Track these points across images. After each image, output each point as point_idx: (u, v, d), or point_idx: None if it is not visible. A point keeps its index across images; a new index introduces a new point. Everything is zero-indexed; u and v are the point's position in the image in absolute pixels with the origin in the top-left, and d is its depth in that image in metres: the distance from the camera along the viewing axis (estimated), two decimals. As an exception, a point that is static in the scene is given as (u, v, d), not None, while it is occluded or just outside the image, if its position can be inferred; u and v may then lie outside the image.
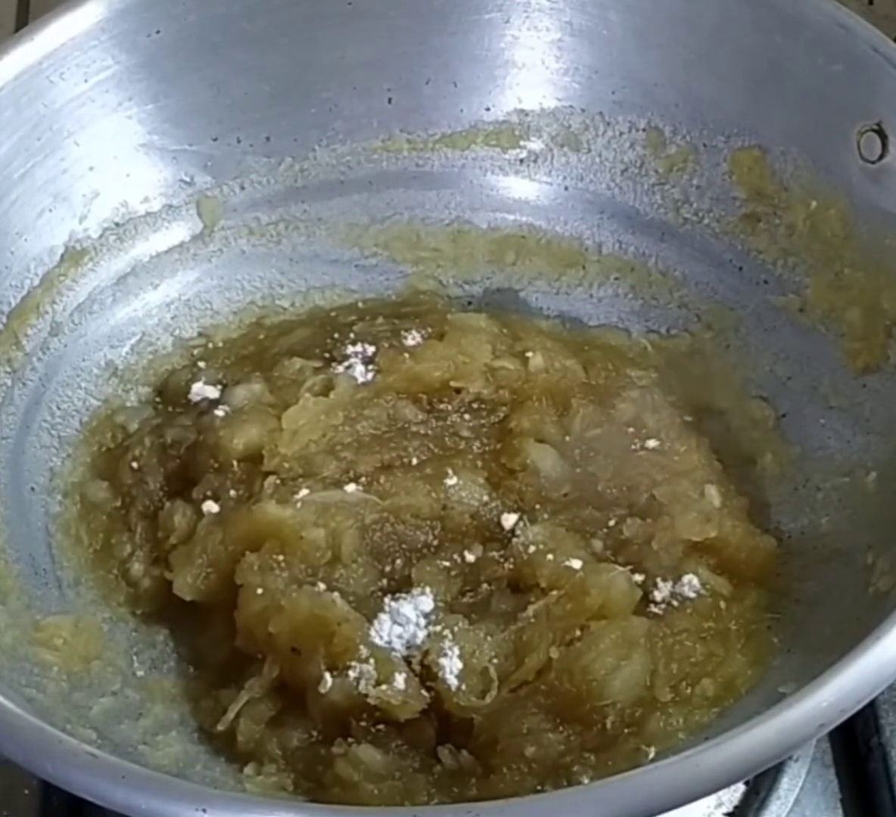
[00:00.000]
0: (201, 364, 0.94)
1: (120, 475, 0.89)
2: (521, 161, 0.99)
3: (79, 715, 0.75)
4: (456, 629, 0.77)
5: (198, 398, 0.91)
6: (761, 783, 0.86)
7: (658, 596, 0.81)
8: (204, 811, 0.62)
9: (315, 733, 0.77)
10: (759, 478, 0.90)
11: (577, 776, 0.74)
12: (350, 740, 0.76)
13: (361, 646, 0.76)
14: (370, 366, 0.91)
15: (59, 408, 0.90)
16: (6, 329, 0.87)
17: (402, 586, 0.80)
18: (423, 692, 0.76)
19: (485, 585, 0.80)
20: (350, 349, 0.93)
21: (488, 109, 0.98)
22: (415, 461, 0.86)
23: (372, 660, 0.76)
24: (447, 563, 0.81)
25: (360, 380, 0.90)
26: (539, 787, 0.73)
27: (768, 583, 0.83)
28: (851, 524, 0.83)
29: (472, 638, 0.77)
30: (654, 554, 0.81)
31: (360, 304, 0.98)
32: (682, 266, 0.97)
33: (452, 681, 0.76)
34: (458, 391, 0.89)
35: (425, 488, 0.84)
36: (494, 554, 0.81)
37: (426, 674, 0.77)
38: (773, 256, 0.93)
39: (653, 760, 0.73)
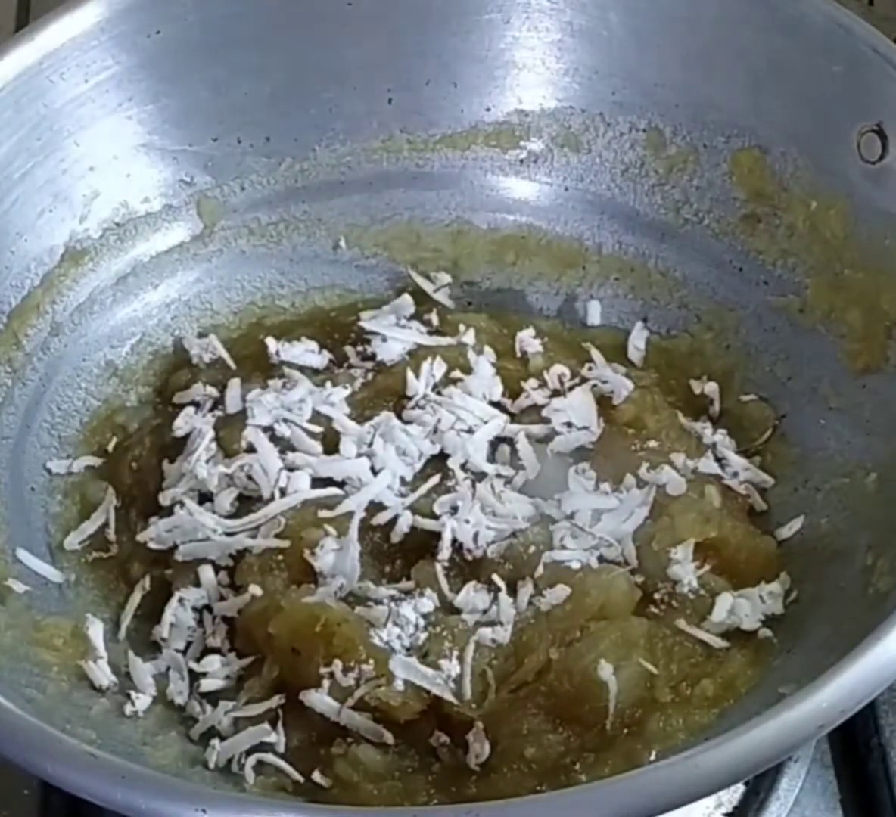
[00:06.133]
0: (201, 364, 0.94)
1: (120, 475, 0.89)
2: (521, 161, 0.99)
3: (79, 715, 0.75)
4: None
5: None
6: (761, 783, 0.86)
7: (657, 596, 0.81)
8: (204, 811, 0.62)
9: (314, 734, 0.77)
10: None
11: (577, 776, 0.74)
12: (350, 740, 0.76)
13: (361, 647, 0.76)
14: (370, 366, 0.92)
15: (59, 408, 0.90)
16: (6, 329, 0.88)
17: (402, 587, 0.80)
18: (423, 693, 0.76)
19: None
20: (350, 349, 0.93)
21: (488, 110, 0.98)
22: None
23: (371, 661, 0.76)
24: (447, 563, 0.81)
25: (360, 380, 0.90)
26: (539, 787, 0.73)
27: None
28: (851, 525, 0.83)
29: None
30: (654, 554, 0.82)
31: (360, 304, 0.98)
32: (682, 266, 0.97)
33: (452, 683, 0.76)
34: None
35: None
36: (495, 554, 0.81)
37: (426, 675, 0.77)
38: (773, 257, 0.93)
39: (653, 760, 0.73)
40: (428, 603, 0.79)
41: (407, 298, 0.96)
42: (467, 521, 0.81)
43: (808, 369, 0.90)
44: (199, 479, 0.85)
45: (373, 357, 0.92)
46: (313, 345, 0.93)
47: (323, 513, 0.82)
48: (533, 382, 0.90)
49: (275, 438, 0.86)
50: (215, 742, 0.77)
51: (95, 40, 0.89)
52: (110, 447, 0.91)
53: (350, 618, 0.77)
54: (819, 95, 0.89)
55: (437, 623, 0.78)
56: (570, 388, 0.90)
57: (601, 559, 0.81)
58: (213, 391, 0.91)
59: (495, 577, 0.80)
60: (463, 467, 0.85)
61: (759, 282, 0.94)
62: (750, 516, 0.87)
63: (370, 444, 0.85)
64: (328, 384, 0.89)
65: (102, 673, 0.79)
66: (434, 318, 0.95)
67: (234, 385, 0.90)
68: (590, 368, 0.91)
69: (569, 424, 0.88)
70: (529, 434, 0.87)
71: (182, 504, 0.84)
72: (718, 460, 0.89)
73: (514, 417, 0.89)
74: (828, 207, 0.89)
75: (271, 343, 0.93)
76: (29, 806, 0.86)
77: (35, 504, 0.87)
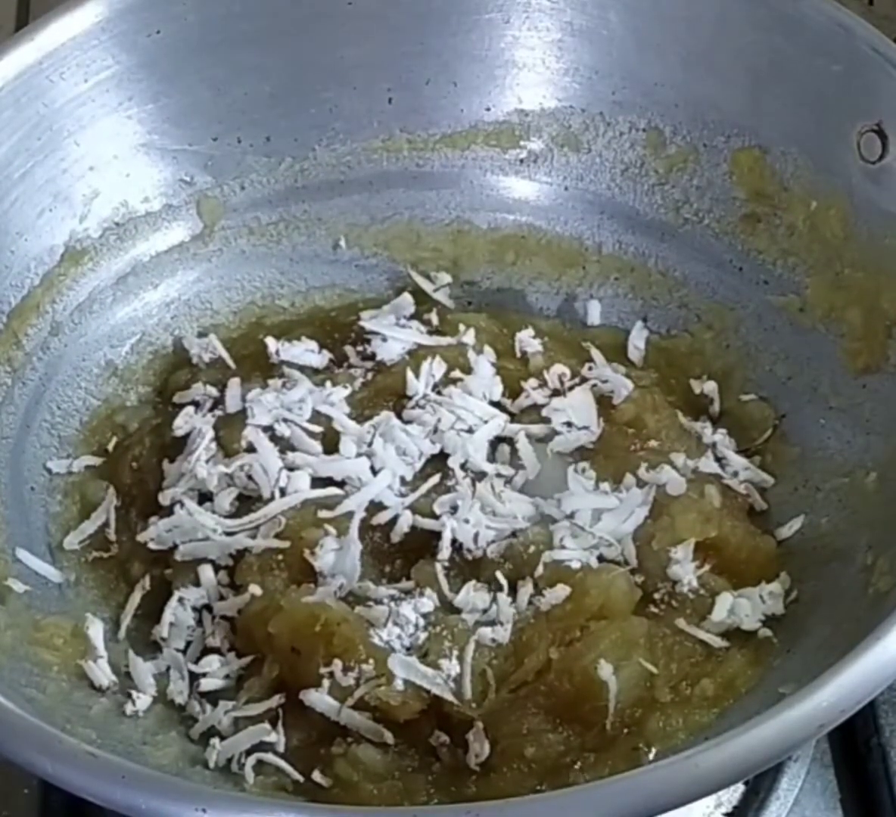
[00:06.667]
0: (201, 364, 0.95)
1: (120, 475, 0.89)
2: (521, 161, 0.99)
3: (79, 714, 0.75)
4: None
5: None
6: (761, 783, 0.86)
7: (657, 596, 0.81)
8: (204, 811, 0.62)
9: (315, 733, 0.77)
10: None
11: (577, 776, 0.74)
12: (350, 740, 0.76)
13: (361, 647, 0.76)
14: (370, 366, 0.92)
15: (59, 408, 0.90)
16: (6, 329, 0.88)
17: (402, 586, 0.80)
18: (423, 692, 0.76)
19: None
20: (350, 349, 0.93)
21: (488, 109, 0.98)
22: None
23: (371, 661, 0.76)
24: (447, 563, 0.81)
25: (360, 380, 0.90)
26: (539, 787, 0.73)
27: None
28: (851, 524, 0.83)
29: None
30: (654, 553, 0.82)
31: (360, 304, 0.98)
32: (682, 266, 0.97)
33: (452, 683, 0.76)
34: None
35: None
36: (495, 554, 0.81)
37: (426, 675, 0.77)
38: (773, 256, 0.93)
39: (653, 760, 0.73)
40: (428, 602, 0.79)
41: (407, 298, 0.96)
42: (467, 521, 0.81)
43: (808, 369, 0.90)
44: (199, 479, 0.85)
45: (373, 357, 0.92)
46: (313, 345, 0.93)
47: (323, 513, 0.82)
48: (533, 382, 0.90)
49: (275, 438, 0.86)
50: (215, 741, 0.77)
51: (95, 40, 0.89)
52: (110, 447, 0.92)
53: (350, 618, 0.77)
54: (819, 95, 0.89)
55: (437, 623, 0.78)
56: (570, 388, 0.90)
57: (601, 559, 0.81)
58: (213, 391, 0.91)
59: (498, 574, 0.80)
60: (463, 467, 0.85)
61: (759, 281, 0.94)
62: (750, 516, 0.87)
63: (370, 444, 0.85)
64: (328, 384, 0.89)
65: (102, 673, 0.79)
66: (434, 318, 0.95)
67: (234, 384, 0.90)
68: (590, 368, 0.91)
69: (569, 424, 0.88)
70: (529, 434, 0.87)
71: (182, 504, 0.84)
72: (718, 460, 0.89)
73: (514, 417, 0.89)
74: (828, 207, 0.89)
75: (271, 343, 0.93)
76: (29, 806, 0.86)
77: (35, 504, 0.87)
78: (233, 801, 0.66)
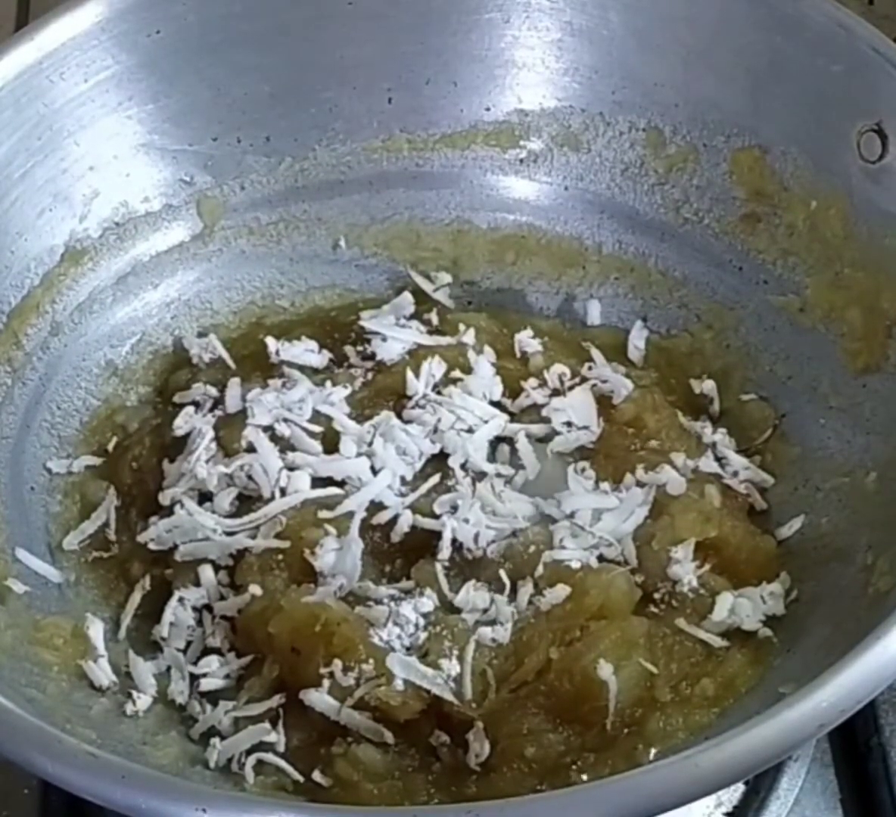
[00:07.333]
0: (201, 364, 0.95)
1: (120, 475, 0.89)
2: (521, 161, 0.99)
3: (79, 714, 0.75)
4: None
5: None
6: (761, 783, 0.86)
7: (657, 596, 0.81)
8: (204, 811, 0.62)
9: (315, 733, 0.77)
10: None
11: (577, 776, 0.74)
12: (350, 740, 0.76)
13: (361, 647, 0.76)
14: (370, 366, 0.92)
15: (59, 408, 0.90)
16: (6, 329, 0.88)
17: (402, 586, 0.80)
18: (423, 692, 0.76)
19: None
20: (350, 349, 0.93)
21: (488, 109, 0.98)
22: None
23: (371, 661, 0.76)
24: (447, 563, 0.81)
25: (360, 379, 0.90)
26: (539, 787, 0.73)
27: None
28: (851, 524, 0.83)
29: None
30: (654, 553, 0.82)
31: (360, 304, 0.98)
32: (682, 266, 0.97)
33: (452, 683, 0.76)
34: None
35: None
36: (495, 554, 0.81)
37: (426, 675, 0.77)
38: (773, 256, 0.93)
39: (653, 760, 0.73)
40: (428, 602, 0.79)
41: (407, 297, 0.97)
42: (467, 521, 0.81)
43: (808, 368, 0.90)
44: (199, 479, 0.85)
45: (373, 356, 0.92)
46: (313, 345, 0.93)
47: (323, 513, 0.82)
48: (533, 382, 0.90)
49: (275, 438, 0.86)
50: (215, 741, 0.77)
51: (95, 40, 0.89)
52: (110, 447, 0.92)
53: (350, 618, 0.77)
54: (819, 95, 0.89)
55: (437, 622, 0.78)
56: (570, 388, 0.90)
57: (601, 558, 0.81)
58: (213, 391, 0.91)
59: (501, 573, 0.80)
60: (463, 467, 0.85)
61: (759, 281, 0.94)
62: (750, 515, 0.87)
63: (370, 444, 0.85)
64: (328, 384, 0.90)
65: (103, 673, 0.79)
66: (434, 318, 0.95)
67: (234, 384, 0.90)
68: (590, 368, 0.91)
69: (569, 424, 0.88)
70: (529, 433, 0.87)
71: (182, 504, 0.84)
72: (718, 459, 0.89)
73: (514, 417, 0.89)
74: (828, 207, 0.89)
75: (271, 342, 0.93)
76: (29, 806, 0.86)
77: (35, 504, 0.87)
78: (233, 801, 0.66)
